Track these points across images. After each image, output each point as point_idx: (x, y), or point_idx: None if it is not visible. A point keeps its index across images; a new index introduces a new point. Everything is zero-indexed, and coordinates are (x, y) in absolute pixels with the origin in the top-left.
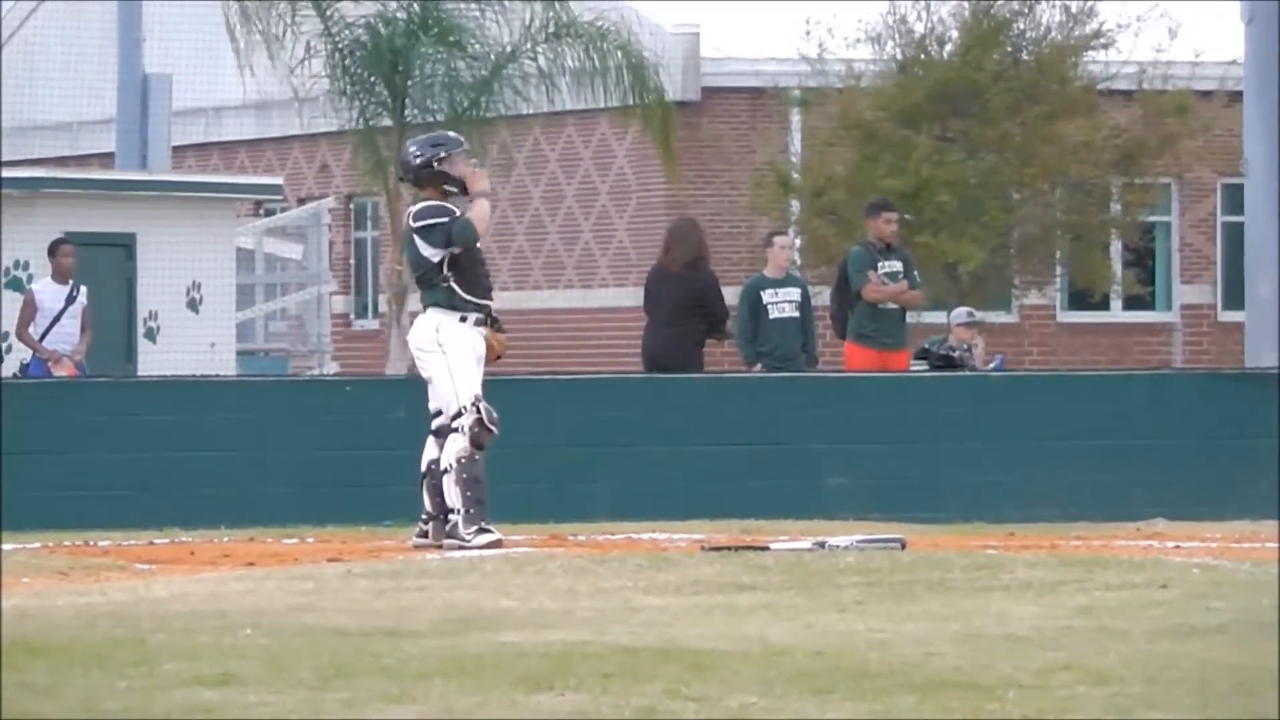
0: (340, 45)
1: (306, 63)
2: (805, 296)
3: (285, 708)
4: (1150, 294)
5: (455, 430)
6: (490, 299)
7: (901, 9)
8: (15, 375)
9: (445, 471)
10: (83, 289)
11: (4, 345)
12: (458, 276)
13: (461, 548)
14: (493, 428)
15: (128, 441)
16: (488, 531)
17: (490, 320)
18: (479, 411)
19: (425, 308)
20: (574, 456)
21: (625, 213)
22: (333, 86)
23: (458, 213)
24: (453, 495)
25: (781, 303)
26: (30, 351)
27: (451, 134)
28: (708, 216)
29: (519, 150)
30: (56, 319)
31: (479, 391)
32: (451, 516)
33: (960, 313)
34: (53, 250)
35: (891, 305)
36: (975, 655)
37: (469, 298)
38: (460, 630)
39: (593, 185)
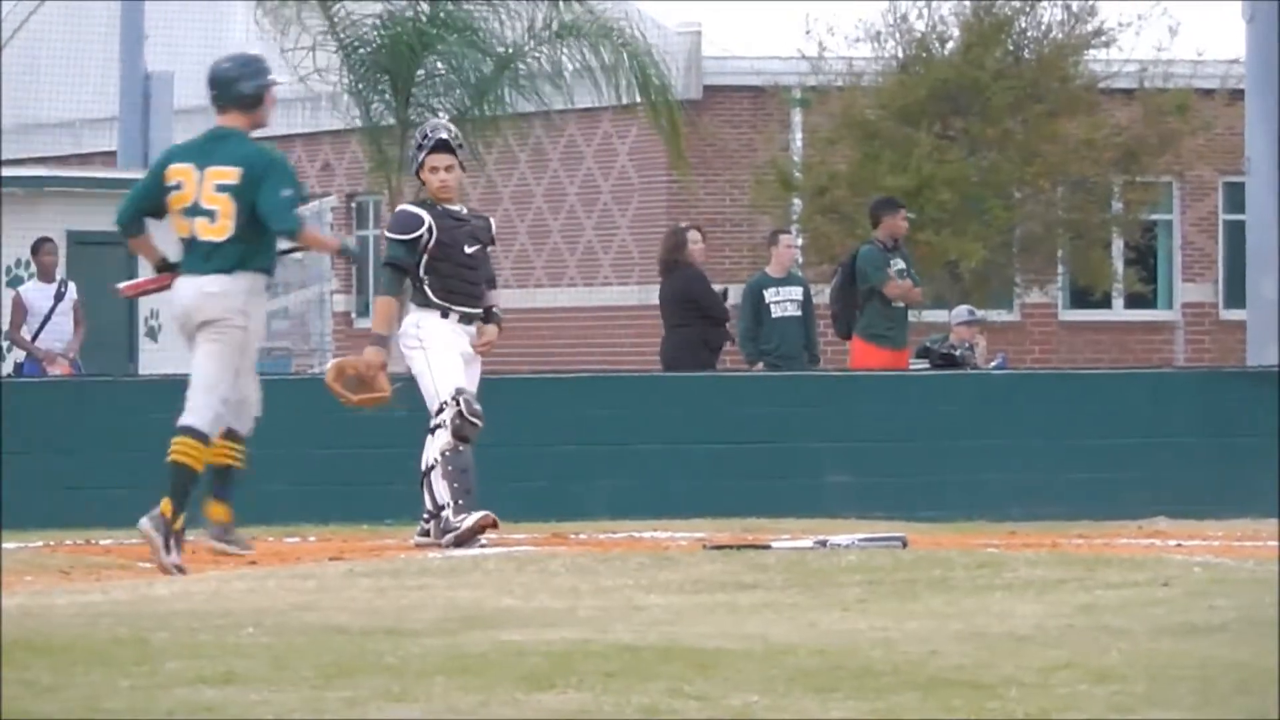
0: (347, 42)
1: (312, 59)
2: (807, 295)
3: (287, 706)
4: (1152, 292)
5: (439, 426)
6: (473, 306)
7: (902, 7)
8: (9, 376)
9: (431, 468)
10: (71, 285)
11: (4, 345)
12: (434, 282)
13: (457, 539)
14: (475, 420)
15: (129, 440)
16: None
17: (488, 315)
18: (459, 404)
19: (411, 306)
20: (575, 455)
21: (628, 211)
22: (338, 84)
23: (427, 221)
24: (441, 490)
25: (784, 301)
26: (24, 352)
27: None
28: (709, 215)
29: (521, 149)
30: (48, 317)
31: (460, 384)
32: (443, 513)
33: (961, 311)
34: (35, 250)
35: (899, 303)
36: (977, 653)
37: (443, 304)
38: (462, 629)
39: (595, 183)
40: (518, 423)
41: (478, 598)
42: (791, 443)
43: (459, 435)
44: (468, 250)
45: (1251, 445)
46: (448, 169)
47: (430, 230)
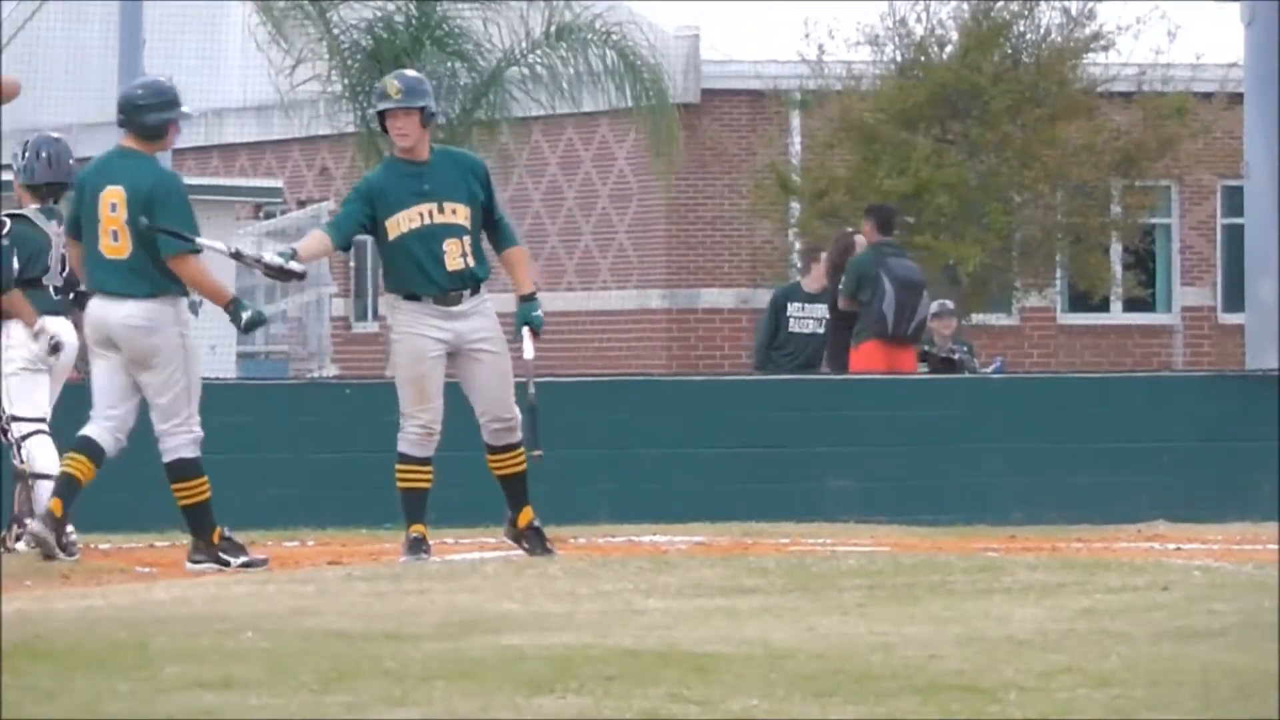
0: (342, 48)
1: (309, 64)
2: None
3: (287, 711)
4: (1150, 296)
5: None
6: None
7: (901, 11)
8: None
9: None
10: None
11: None
12: None
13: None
14: None
15: (128, 443)
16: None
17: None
18: None
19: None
20: (574, 459)
21: (625, 215)
22: (331, 89)
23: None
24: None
25: (805, 318)
26: None
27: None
28: (708, 219)
29: (519, 153)
30: None
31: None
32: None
33: (932, 305)
34: None
35: None
36: (977, 658)
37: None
38: (462, 633)
39: (593, 187)
40: None
41: (477, 602)
42: (791, 447)
43: None
44: None
45: (1250, 449)
46: None
47: None
